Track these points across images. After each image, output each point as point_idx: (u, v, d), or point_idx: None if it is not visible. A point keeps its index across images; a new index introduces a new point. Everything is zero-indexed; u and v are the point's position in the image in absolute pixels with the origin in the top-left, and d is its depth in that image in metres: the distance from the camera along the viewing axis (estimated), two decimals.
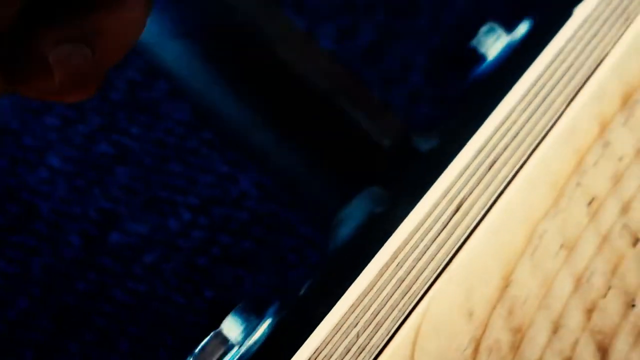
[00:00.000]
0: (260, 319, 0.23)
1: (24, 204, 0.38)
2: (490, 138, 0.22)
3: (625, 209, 0.22)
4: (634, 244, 0.22)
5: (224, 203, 0.40)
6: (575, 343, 0.21)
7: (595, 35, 0.24)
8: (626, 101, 0.23)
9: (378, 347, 0.20)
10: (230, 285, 0.39)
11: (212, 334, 0.22)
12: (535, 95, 0.23)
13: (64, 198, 0.38)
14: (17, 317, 0.37)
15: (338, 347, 0.19)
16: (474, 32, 0.28)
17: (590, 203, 0.22)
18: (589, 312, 0.21)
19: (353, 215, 0.24)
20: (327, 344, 0.19)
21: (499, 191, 0.22)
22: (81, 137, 0.39)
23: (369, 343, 0.20)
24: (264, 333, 0.22)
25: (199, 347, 0.22)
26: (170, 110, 0.39)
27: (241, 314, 0.22)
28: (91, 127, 0.39)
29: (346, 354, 0.20)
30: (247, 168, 0.39)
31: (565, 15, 0.27)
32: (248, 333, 0.22)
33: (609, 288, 0.21)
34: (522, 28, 0.28)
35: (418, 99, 0.40)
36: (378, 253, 0.21)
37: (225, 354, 0.22)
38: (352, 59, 0.42)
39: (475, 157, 0.22)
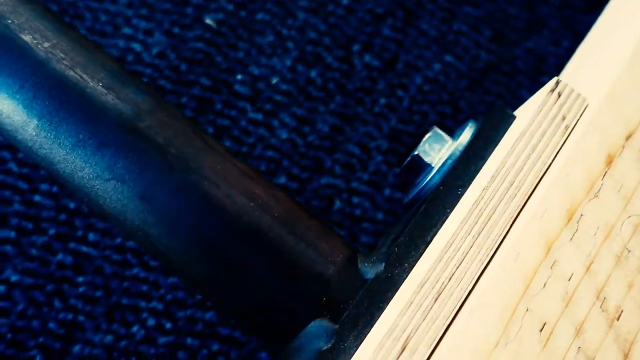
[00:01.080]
0: None
1: None
2: (434, 268, 0.22)
3: (578, 331, 0.22)
4: None
5: (188, 305, 0.39)
6: None
7: (535, 147, 0.24)
8: (571, 216, 0.23)
9: None
10: None
11: None
12: (477, 220, 0.23)
13: (22, 312, 0.37)
14: None
15: None
16: (417, 138, 0.28)
17: (542, 329, 0.22)
18: None
19: (299, 354, 0.23)
20: None
21: (445, 325, 0.21)
22: (37, 249, 0.38)
23: None
24: None
25: None
26: None
27: None
28: (47, 237, 0.38)
29: None
30: None
31: (508, 118, 0.27)
32: None
33: None
34: (467, 133, 0.27)
35: (363, 213, 0.40)
36: None
37: None
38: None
39: (419, 291, 0.21)
